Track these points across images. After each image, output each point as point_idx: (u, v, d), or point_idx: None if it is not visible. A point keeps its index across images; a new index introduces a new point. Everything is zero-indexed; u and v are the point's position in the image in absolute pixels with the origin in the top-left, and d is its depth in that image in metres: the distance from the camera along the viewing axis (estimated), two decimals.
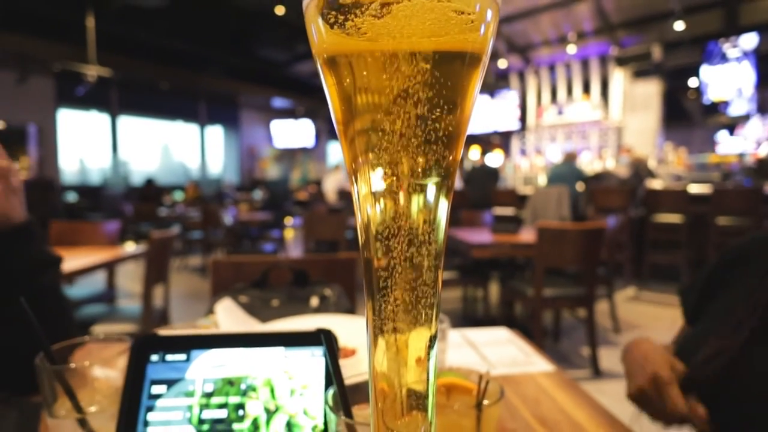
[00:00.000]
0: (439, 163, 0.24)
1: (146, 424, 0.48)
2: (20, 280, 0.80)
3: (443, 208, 0.24)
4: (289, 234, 7.48)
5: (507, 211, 3.76)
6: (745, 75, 8.99)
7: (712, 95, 9.50)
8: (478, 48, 0.23)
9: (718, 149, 10.12)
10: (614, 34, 9.63)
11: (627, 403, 0.82)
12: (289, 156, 15.40)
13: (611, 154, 10.11)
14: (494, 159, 10.98)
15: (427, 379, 0.25)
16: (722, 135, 10.28)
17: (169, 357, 0.51)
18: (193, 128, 13.19)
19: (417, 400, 0.25)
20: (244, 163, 14.44)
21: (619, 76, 10.32)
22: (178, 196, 9.59)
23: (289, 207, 8.89)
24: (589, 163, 9.89)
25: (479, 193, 6.45)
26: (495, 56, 10.21)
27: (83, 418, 0.52)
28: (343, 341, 0.86)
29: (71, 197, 9.75)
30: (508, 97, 11.76)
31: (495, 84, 11.79)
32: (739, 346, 0.70)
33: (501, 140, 12.07)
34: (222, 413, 0.49)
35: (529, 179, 9.94)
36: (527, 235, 3.30)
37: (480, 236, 3.32)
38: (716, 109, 9.77)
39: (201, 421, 0.49)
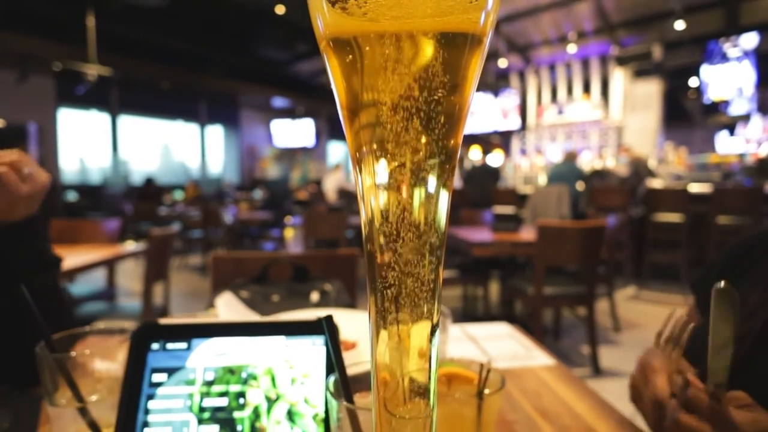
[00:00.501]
0: (442, 144, 0.24)
1: (147, 411, 0.48)
2: (21, 276, 0.80)
3: (445, 194, 0.24)
4: (290, 233, 7.48)
5: (507, 209, 3.76)
6: (746, 74, 8.99)
7: (712, 95, 9.50)
8: (480, 28, 0.23)
9: (719, 149, 10.12)
10: (614, 34, 9.64)
11: (627, 401, 0.82)
12: (289, 155, 15.40)
13: (611, 153, 10.11)
14: (494, 159, 10.98)
15: (429, 368, 0.25)
16: (722, 135, 10.28)
17: (170, 345, 0.51)
18: (193, 128, 13.19)
19: (419, 389, 0.25)
20: (245, 163, 14.45)
21: (619, 76, 10.33)
22: (178, 195, 9.60)
23: (289, 206, 8.90)
24: (589, 163, 9.89)
25: (479, 192, 6.45)
26: (495, 56, 10.21)
27: (84, 407, 0.52)
28: (344, 335, 0.86)
29: (71, 196, 9.75)
30: (509, 97, 11.76)
31: (495, 83, 11.79)
32: (752, 337, 0.70)
33: (501, 140, 12.07)
34: (223, 401, 0.49)
35: (530, 179, 9.94)
36: (527, 234, 3.30)
37: (480, 235, 3.32)
38: (716, 108, 9.77)
39: (202, 409, 0.49)
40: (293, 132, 14.90)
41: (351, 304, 1.21)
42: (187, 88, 12.06)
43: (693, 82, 10.29)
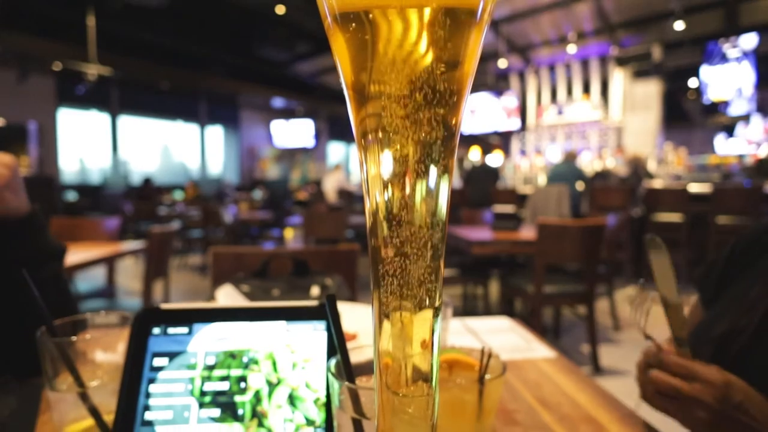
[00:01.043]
0: (445, 121, 0.24)
1: (148, 395, 0.48)
2: (26, 269, 0.79)
3: (446, 176, 0.25)
4: (289, 233, 7.48)
5: (507, 208, 3.76)
6: (745, 75, 9.00)
7: (711, 95, 9.51)
8: (483, 4, 0.24)
9: (718, 150, 10.14)
10: (614, 34, 9.64)
11: (627, 399, 0.82)
12: (289, 156, 15.40)
13: (611, 154, 10.12)
14: (494, 159, 10.98)
15: (431, 354, 0.26)
16: (721, 138, 10.30)
17: (171, 330, 0.51)
18: (193, 128, 13.18)
19: (421, 373, 0.26)
20: (244, 163, 14.44)
21: (619, 76, 10.34)
22: (178, 195, 9.59)
23: (289, 207, 8.90)
24: (589, 164, 9.90)
25: (479, 192, 6.46)
26: (495, 56, 10.21)
27: (84, 392, 0.52)
28: (344, 327, 0.86)
29: (71, 196, 9.74)
30: (508, 97, 11.77)
31: (495, 84, 11.80)
32: (753, 329, 0.70)
33: (501, 140, 12.08)
34: (224, 386, 0.49)
35: (529, 179, 9.94)
36: (527, 233, 3.30)
37: (480, 233, 3.32)
38: (716, 109, 9.79)
39: (203, 393, 0.49)
40: (293, 132, 14.91)
41: (351, 298, 1.21)
42: (187, 89, 12.06)
43: (692, 82, 10.30)
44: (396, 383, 0.26)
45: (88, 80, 8.94)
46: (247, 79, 12.44)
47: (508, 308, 3.75)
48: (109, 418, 0.51)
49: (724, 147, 10.03)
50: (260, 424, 0.48)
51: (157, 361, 0.50)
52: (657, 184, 6.03)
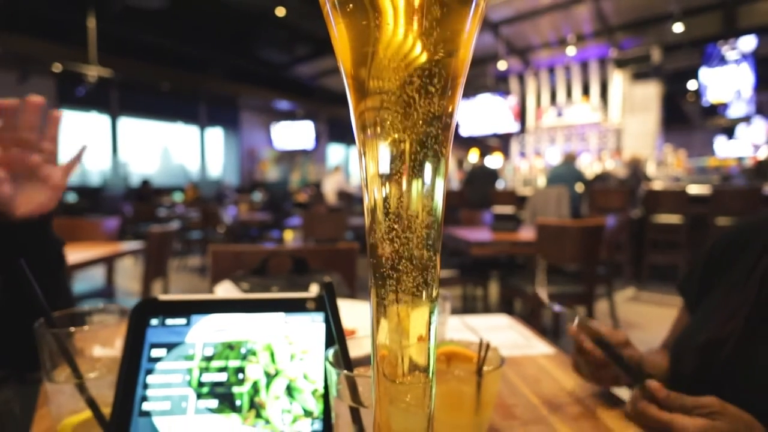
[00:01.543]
0: (443, 107, 0.24)
1: (146, 386, 0.48)
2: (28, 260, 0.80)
3: (441, 172, 0.25)
4: (289, 235, 7.47)
5: (506, 209, 3.76)
6: (744, 77, 9.02)
7: (711, 97, 9.53)
8: None
9: (717, 153, 10.15)
10: (613, 37, 9.67)
11: (624, 395, 0.82)
12: (288, 158, 15.40)
13: (610, 156, 10.13)
14: (493, 161, 10.99)
15: (428, 346, 0.26)
16: (721, 139, 10.31)
17: (169, 321, 0.51)
18: (193, 130, 13.19)
19: (418, 364, 0.26)
20: (244, 165, 14.45)
21: (618, 78, 10.35)
22: (178, 197, 9.59)
23: (289, 208, 8.90)
24: (588, 166, 9.90)
25: (479, 193, 6.46)
26: (494, 58, 10.23)
27: (82, 383, 0.51)
28: (343, 323, 0.86)
29: (70, 198, 9.73)
30: (508, 99, 11.78)
31: (495, 86, 11.82)
32: (736, 337, 0.69)
33: (500, 142, 12.09)
34: (222, 376, 0.49)
35: (529, 181, 9.95)
36: (527, 234, 3.30)
37: (479, 234, 3.32)
38: (715, 111, 9.80)
39: (201, 384, 0.49)
40: (293, 134, 14.92)
41: (350, 295, 1.21)
42: (187, 90, 12.07)
43: (692, 84, 10.32)
44: (393, 373, 0.26)
45: (89, 82, 8.95)
46: (247, 81, 12.46)
47: (508, 309, 3.74)
48: (107, 410, 0.51)
49: (724, 149, 10.04)
50: (258, 415, 0.48)
51: (155, 352, 0.50)
52: (656, 185, 6.04)
